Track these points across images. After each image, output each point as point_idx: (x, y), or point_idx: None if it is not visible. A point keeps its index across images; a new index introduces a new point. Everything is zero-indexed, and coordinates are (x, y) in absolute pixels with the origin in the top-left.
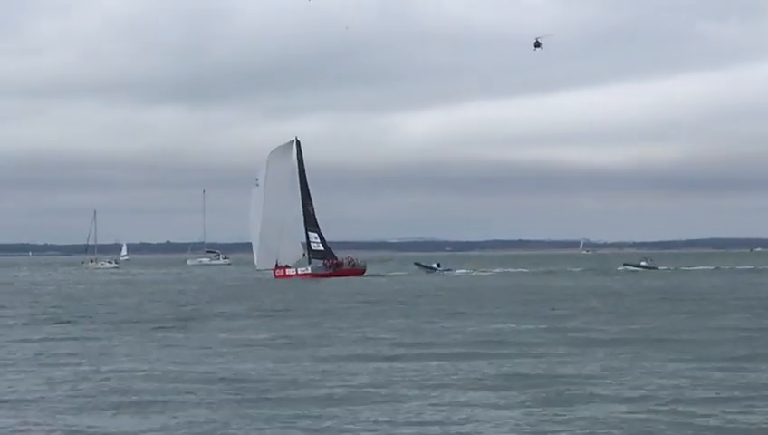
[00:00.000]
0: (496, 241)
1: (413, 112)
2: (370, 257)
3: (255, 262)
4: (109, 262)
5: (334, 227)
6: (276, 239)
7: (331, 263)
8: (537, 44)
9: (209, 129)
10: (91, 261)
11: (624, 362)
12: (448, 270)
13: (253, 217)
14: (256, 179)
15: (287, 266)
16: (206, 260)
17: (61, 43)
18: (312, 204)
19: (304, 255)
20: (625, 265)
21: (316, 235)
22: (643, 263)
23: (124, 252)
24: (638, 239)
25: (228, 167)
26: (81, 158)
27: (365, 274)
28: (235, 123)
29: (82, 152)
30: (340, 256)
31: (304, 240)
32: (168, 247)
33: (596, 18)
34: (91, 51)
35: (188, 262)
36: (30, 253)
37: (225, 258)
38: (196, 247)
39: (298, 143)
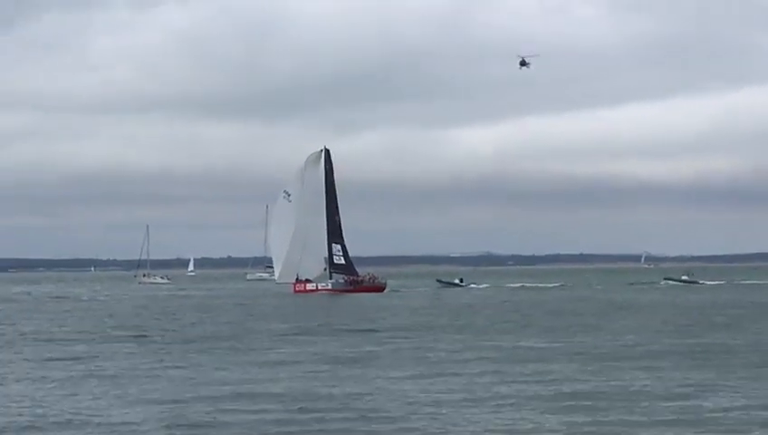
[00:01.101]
0: (558, 255)
1: (473, 126)
2: (431, 272)
3: (276, 276)
4: (161, 277)
5: (393, 241)
6: (299, 252)
7: (351, 279)
8: (523, 63)
9: (269, 143)
10: (144, 275)
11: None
12: (473, 284)
13: (275, 231)
14: (286, 192)
15: (308, 281)
16: (265, 275)
17: (121, 59)
18: (338, 214)
19: (326, 269)
20: (666, 279)
21: (339, 247)
22: (684, 277)
23: (191, 267)
24: (700, 253)
25: (287, 182)
26: (143, 173)
27: (386, 290)
28: (294, 138)
29: (144, 168)
30: (361, 271)
31: (327, 253)
32: (230, 262)
33: (652, 31)
34: (151, 67)
35: (248, 277)
36: (93, 268)
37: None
38: (257, 262)
39: (327, 153)
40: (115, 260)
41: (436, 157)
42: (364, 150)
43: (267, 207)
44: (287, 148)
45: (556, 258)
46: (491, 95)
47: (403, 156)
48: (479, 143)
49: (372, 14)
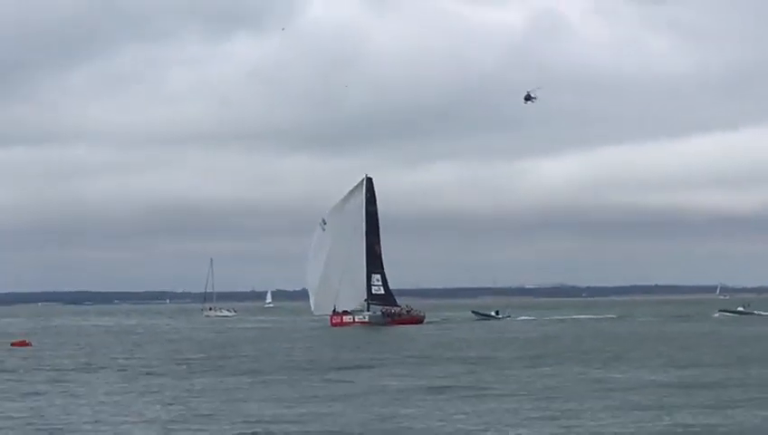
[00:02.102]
0: (633, 286)
1: (545, 158)
2: (506, 304)
3: (312, 307)
4: (228, 310)
5: (466, 273)
6: (337, 283)
7: (388, 311)
8: (528, 98)
9: (344, 175)
10: (210, 308)
11: None
12: (508, 317)
13: (312, 261)
14: (323, 220)
15: (345, 312)
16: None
17: (195, 92)
18: (379, 243)
19: (366, 300)
20: (720, 311)
21: (379, 277)
22: (740, 308)
23: (269, 299)
24: None
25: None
26: (218, 205)
27: (424, 322)
28: (367, 171)
29: (219, 200)
30: (401, 302)
31: (365, 284)
32: (305, 294)
33: (723, 62)
34: (226, 100)
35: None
36: (168, 300)
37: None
38: None
39: (369, 181)
40: (190, 293)
41: (510, 188)
42: (437, 182)
43: None
44: (357, 181)
45: (630, 290)
46: (563, 126)
47: (476, 188)
48: (552, 174)
49: (445, 47)
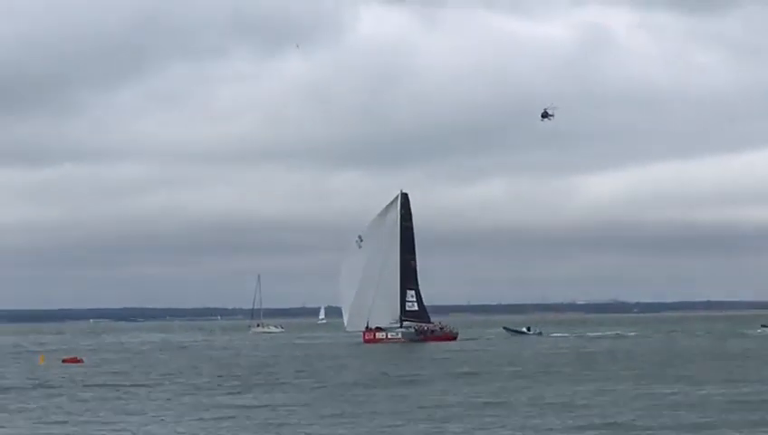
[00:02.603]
0: (685, 302)
1: (594, 174)
2: (555, 319)
3: (345, 324)
4: (275, 326)
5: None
6: (371, 299)
7: (420, 328)
8: (545, 115)
9: (391, 192)
10: (258, 325)
11: None
12: (539, 333)
13: (346, 277)
14: (359, 237)
15: (378, 329)
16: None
17: (243, 109)
18: (415, 259)
19: (399, 316)
20: (763, 326)
21: (413, 293)
22: None
23: (322, 315)
24: None
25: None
26: (266, 222)
27: (457, 339)
28: (416, 186)
29: (267, 216)
30: (434, 319)
31: (399, 300)
32: None
33: None
34: (273, 116)
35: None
36: (219, 317)
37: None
38: None
39: (404, 197)
40: (241, 308)
41: (559, 204)
42: (486, 198)
43: None
44: (410, 196)
45: (682, 306)
46: (612, 142)
47: (525, 203)
48: (602, 190)
49: (493, 62)
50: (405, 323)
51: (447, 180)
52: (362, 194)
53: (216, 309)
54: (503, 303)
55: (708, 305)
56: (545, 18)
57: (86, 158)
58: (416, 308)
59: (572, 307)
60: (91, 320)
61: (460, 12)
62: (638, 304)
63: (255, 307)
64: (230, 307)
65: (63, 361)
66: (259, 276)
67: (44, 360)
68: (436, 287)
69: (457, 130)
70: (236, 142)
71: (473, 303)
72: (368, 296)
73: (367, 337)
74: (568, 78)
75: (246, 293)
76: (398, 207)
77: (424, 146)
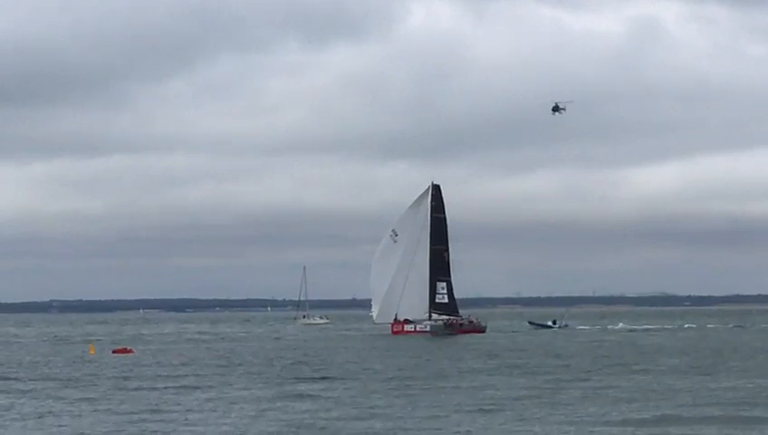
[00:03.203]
0: (737, 296)
1: (646, 166)
2: (607, 312)
3: (374, 315)
4: (320, 317)
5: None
6: (400, 291)
7: (449, 321)
8: (556, 108)
9: (442, 184)
10: (304, 316)
11: None
12: (565, 326)
13: (378, 270)
14: (393, 232)
15: (406, 321)
16: (434, 315)
17: (295, 101)
18: (448, 250)
19: (429, 309)
20: None
21: (445, 285)
22: None
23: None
24: None
25: (460, 222)
26: (316, 214)
27: (485, 332)
28: (466, 179)
29: (317, 208)
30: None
31: (428, 292)
32: None
33: None
34: (324, 108)
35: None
36: (269, 308)
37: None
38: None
39: (435, 188)
40: (291, 300)
41: (610, 197)
42: (534, 191)
43: None
44: (459, 188)
45: (734, 299)
46: (663, 134)
47: (575, 196)
48: (650, 183)
49: (543, 54)
50: (433, 316)
51: (497, 172)
52: (411, 185)
53: (265, 300)
54: (552, 295)
55: (762, 299)
56: (595, 10)
57: (136, 149)
58: (446, 301)
59: (622, 300)
60: (141, 310)
61: (510, 4)
62: (689, 298)
63: (302, 299)
64: (280, 298)
65: (114, 351)
66: (305, 268)
67: (95, 350)
68: (484, 279)
69: (506, 123)
70: (285, 134)
71: (523, 295)
72: (397, 289)
73: (395, 329)
74: (617, 70)
75: (296, 284)
76: (429, 199)
77: (473, 138)
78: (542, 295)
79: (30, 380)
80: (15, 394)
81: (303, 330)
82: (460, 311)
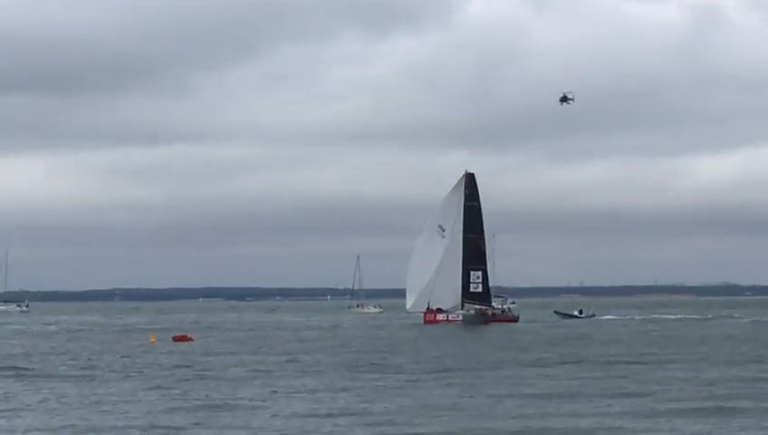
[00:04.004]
0: None
1: (708, 155)
2: (666, 301)
3: (408, 305)
4: (374, 306)
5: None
6: (434, 280)
7: (482, 311)
8: (564, 99)
9: (497, 174)
10: (358, 305)
11: None
12: (592, 316)
13: (417, 261)
14: (440, 227)
15: (439, 310)
16: (494, 304)
17: (355, 90)
18: (483, 239)
19: (462, 298)
20: None
21: (479, 274)
22: None
23: None
24: None
25: (516, 211)
26: (374, 203)
27: (518, 322)
28: (523, 167)
29: (375, 197)
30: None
31: (461, 282)
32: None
33: None
34: (385, 97)
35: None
36: (328, 297)
37: (513, 303)
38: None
39: (469, 177)
40: (351, 289)
41: (669, 186)
42: (596, 180)
43: (494, 235)
44: (516, 177)
45: None
46: (724, 123)
47: (635, 185)
48: (712, 172)
49: (604, 43)
50: (466, 306)
51: (556, 161)
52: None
53: (325, 289)
54: (614, 284)
55: None
56: None
57: (198, 138)
58: (480, 290)
59: (683, 289)
60: (201, 299)
61: None
62: (752, 288)
63: (356, 288)
64: (340, 287)
65: (174, 339)
66: (358, 257)
67: (155, 338)
68: (543, 269)
69: (566, 112)
70: (344, 123)
71: (585, 284)
72: (432, 278)
73: (427, 318)
74: (678, 59)
75: (359, 273)
76: (463, 188)
77: (532, 127)
78: (604, 285)
79: (91, 368)
80: (78, 382)
81: (355, 319)
82: (517, 300)
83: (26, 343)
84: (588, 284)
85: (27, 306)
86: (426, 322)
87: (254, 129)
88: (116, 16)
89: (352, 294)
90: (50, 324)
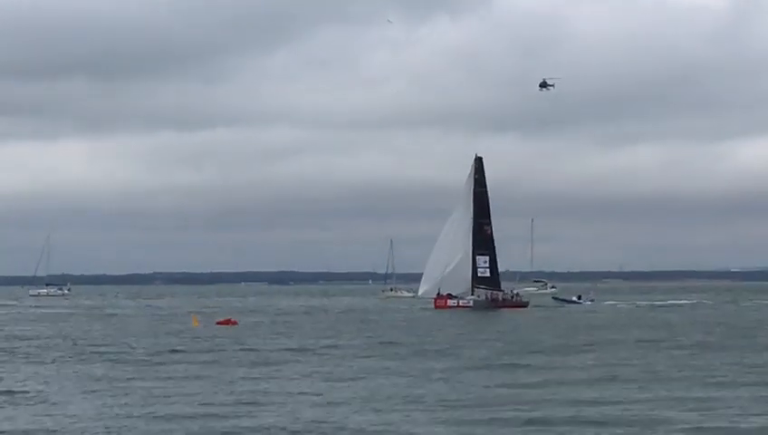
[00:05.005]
0: None
1: (749, 140)
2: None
3: (420, 290)
4: (407, 290)
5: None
6: (444, 265)
7: (492, 296)
8: (543, 85)
9: (539, 159)
10: (391, 289)
11: None
12: (591, 301)
13: (436, 250)
14: (457, 214)
15: (449, 296)
16: (532, 289)
17: (394, 74)
18: (490, 223)
19: (472, 284)
20: None
21: (486, 259)
22: None
23: None
24: None
25: (558, 196)
26: (419, 187)
27: (528, 307)
28: (566, 152)
29: (416, 182)
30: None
31: (471, 267)
32: (508, 276)
33: None
34: (424, 82)
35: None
36: (370, 281)
37: (553, 287)
38: (524, 277)
39: (478, 161)
40: (394, 273)
41: (712, 171)
42: (638, 165)
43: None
44: (559, 162)
45: None
46: (765, 108)
47: (678, 170)
48: (754, 156)
49: (645, 29)
50: (476, 291)
51: (598, 146)
52: (512, 160)
53: (367, 273)
54: (655, 269)
55: None
56: None
57: (238, 123)
58: (488, 275)
59: (726, 275)
60: (243, 283)
61: None
62: None
63: (388, 272)
64: (381, 271)
65: (217, 322)
66: (391, 241)
67: (198, 321)
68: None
69: (608, 97)
70: (386, 108)
71: (625, 269)
72: (443, 263)
73: (438, 304)
74: (721, 44)
75: (398, 257)
76: (473, 172)
77: (573, 112)
78: (645, 270)
79: (136, 351)
80: (123, 366)
81: (381, 302)
82: (558, 285)
83: (88, 326)
84: (628, 268)
85: (69, 290)
86: (436, 307)
87: (296, 113)
88: (157, 2)
89: (385, 278)
90: (94, 308)
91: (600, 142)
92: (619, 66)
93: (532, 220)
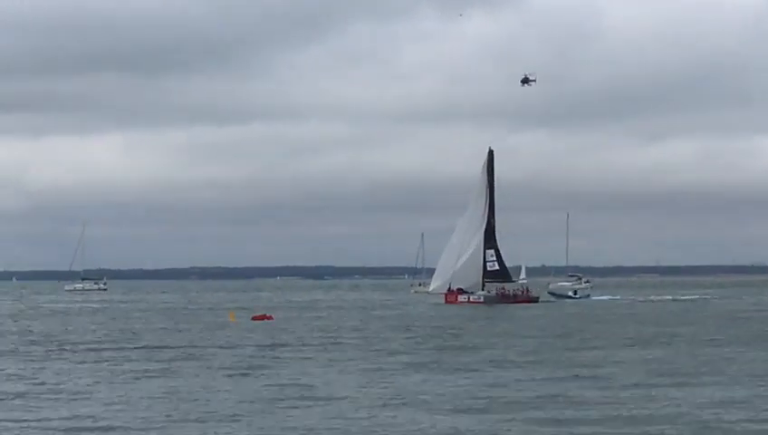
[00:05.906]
0: None
1: None
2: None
3: (432, 285)
4: None
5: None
6: (455, 260)
7: (502, 291)
8: (525, 80)
9: (574, 154)
10: (420, 284)
11: None
12: (587, 296)
13: (449, 245)
14: (470, 208)
15: (460, 291)
16: (567, 284)
17: (428, 68)
18: (494, 217)
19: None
20: None
21: (493, 252)
22: None
23: (523, 275)
24: None
25: (593, 191)
26: (449, 182)
27: (538, 302)
28: (599, 148)
29: (450, 176)
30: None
31: (482, 261)
32: (544, 271)
33: None
34: (459, 76)
35: (549, 286)
36: (405, 275)
37: (587, 282)
38: (558, 272)
39: (489, 153)
40: (430, 268)
41: (741, 165)
42: (673, 159)
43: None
44: (592, 158)
45: None
46: None
47: (713, 164)
48: None
49: (680, 23)
50: (486, 286)
51: (629, 142)
52: (546, 154)
53: (403, 268)
54: (691, 264)
55: None
56: None
57: (272, 117)
58: (497, 268)
59: (762, 269)
60: (278, 278)
61: None
62: None
63: (418, 266)
64: (418, 266)
65: (253, 318)
66: (422, 235)
67: (234, 317)
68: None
69: (644, 91)
70: (420, 102)
71: (661, 264)
72: (454, 257)
73: (449, 299)
74: (754, 38)
75: (430, 252)
76: (484, 166)
77: (610, 107)
78: (681, 265)
79: (170, 347)
80: (160, 362)
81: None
82: (593, 279)
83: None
84: (664, 263)
85: (105, 284)
86: (447, 302)
87: (330, 107)
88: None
89: (414, 272)
90: (124, 302)
91: (634, 136)
92: (653, 61)
93: (568, 215)
